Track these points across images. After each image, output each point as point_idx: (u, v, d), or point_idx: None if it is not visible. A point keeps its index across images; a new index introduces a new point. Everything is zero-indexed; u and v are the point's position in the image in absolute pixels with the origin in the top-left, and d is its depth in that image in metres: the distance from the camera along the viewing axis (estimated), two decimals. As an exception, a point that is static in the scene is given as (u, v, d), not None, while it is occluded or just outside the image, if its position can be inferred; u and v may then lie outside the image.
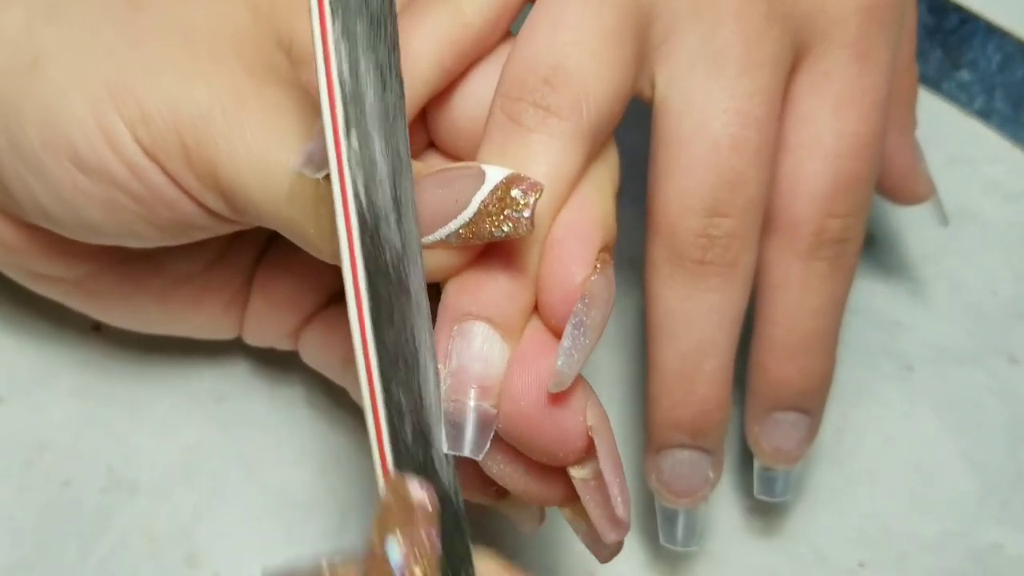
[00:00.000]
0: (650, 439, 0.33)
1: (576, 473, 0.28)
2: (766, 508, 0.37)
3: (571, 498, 0.29)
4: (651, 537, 0.36)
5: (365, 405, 0.25)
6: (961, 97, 0.46)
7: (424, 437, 0.26)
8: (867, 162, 0.32)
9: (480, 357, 0.27)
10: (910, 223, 0.43)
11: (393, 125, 0.26)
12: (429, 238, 0.27)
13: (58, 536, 0.35)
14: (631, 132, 0.32)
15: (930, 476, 0.38)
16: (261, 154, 0.28)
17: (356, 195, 0.25)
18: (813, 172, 0.32)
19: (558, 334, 0.28)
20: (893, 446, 0.39)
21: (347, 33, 0.25)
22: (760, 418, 0.34)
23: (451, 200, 0.26)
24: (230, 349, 0.38)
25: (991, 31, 0.46)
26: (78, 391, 0.37)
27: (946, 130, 0.45)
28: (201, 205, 0.29)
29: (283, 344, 0.37)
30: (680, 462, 0.33)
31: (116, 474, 0.36)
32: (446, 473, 0.26)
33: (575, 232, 0.28)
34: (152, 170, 0.29)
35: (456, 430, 0.27)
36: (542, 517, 0.31)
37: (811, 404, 0.34)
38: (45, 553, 0.35)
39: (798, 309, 0.33)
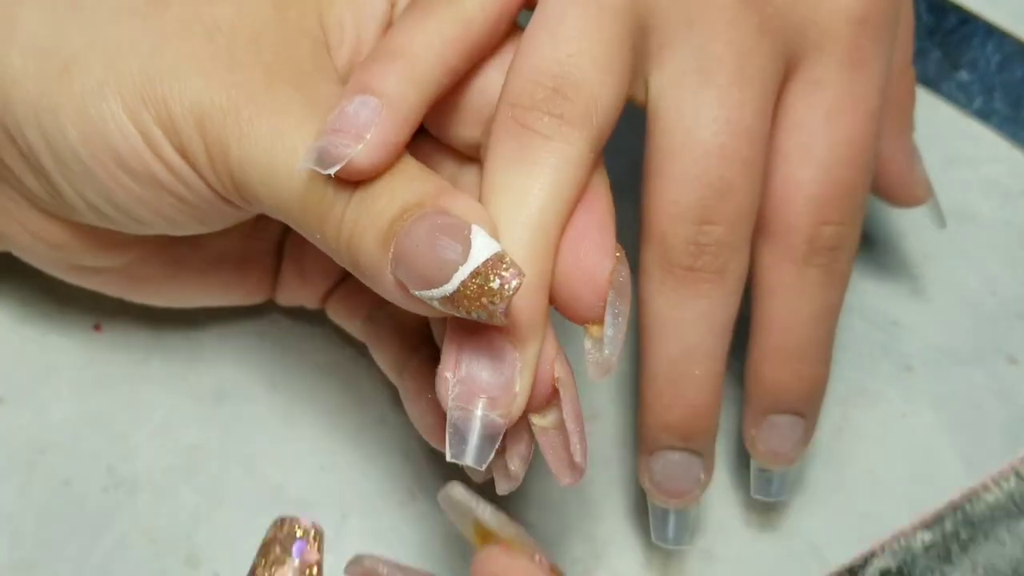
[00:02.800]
0: (642, 441, 0.33)
1: (537, 421, 0.29)
2: (765, 506, 0.37)
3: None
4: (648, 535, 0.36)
5: None
6: (960, 97, 0.46)
7: None
8: (860, 170, 0.32)
9: (491, 366, 0.27)
10: (909, 224, 0.43)
11: None
12: (417, 294, 0.26)
13: (58, 536, 0.35)
14: (633, 135, 0.32)
15: (928, 476, 0.38)
16: (267, 156, 0.28)
17: None
18: (806, 179, 0.32)
19: (580, 323, 0.29)
20: (892, 446, 0.39)
21: None
22: (756, 421, 0.35)
23: (436, 266, 0.26)
24: (231, 349, 0.38)
25: (990, 31, 0.46)
26: (78, 391, 0.37)
27: (945, 130, 0.45)
28: (229, 202, 0.30)
29: (312, 304, 0.38)
30: (671, 464, 0.33)
31: (116, 474, 0.36)
32: None
33: (596, 225, 0.29)
34: (186, 171, 0.30)
35: (459, 438, 0.27)
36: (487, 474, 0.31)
37: (806, 408, 0.34)
38: (45, 553, 0.35)
39: (793, 315, 0.33)
